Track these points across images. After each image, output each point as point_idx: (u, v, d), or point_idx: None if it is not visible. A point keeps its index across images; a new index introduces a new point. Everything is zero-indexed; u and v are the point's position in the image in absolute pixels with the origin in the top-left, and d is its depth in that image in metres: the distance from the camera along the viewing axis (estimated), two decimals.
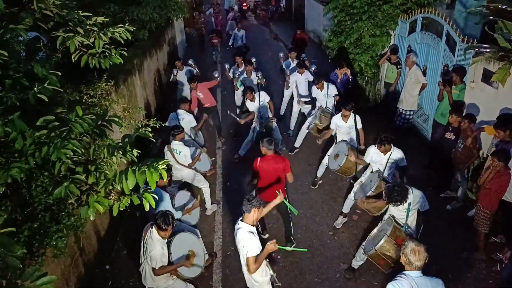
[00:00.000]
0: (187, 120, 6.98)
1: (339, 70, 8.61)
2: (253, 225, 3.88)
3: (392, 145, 5.37)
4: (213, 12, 18.52)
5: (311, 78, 8.15)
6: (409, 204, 4.44)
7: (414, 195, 4.43)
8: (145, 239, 4.24)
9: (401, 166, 5.52)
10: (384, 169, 5.50)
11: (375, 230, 4.77)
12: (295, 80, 8.37)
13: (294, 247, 5.14)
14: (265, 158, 5.21)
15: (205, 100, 8.28)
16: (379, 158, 5.53)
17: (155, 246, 4.11)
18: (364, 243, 4.88)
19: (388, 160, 5.45)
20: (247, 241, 3.77)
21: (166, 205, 4.91)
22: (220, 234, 6.08)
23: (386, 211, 4.94)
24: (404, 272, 3.16)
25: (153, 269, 4.15)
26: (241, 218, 3.93)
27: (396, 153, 5.43)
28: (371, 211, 5.16)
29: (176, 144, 5.92)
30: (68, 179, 2.85)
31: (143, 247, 4.26)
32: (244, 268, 3.95)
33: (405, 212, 4.51)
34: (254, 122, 7.72)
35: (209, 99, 8.36)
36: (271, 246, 3.80)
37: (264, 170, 5.22)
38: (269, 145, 5.13)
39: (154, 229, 4.13)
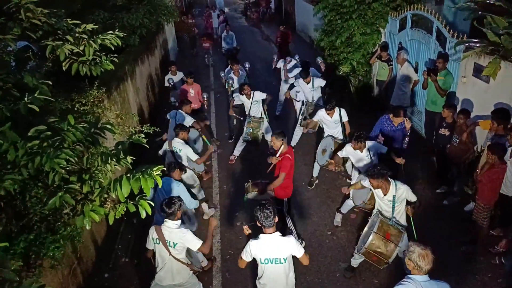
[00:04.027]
0: (187, 122, 6.99)
1: (394, 117, 6.01)
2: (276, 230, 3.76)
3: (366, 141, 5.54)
4: (203, 16, 18.53)
5: (322, 84, 7.94)
6: (394, 196, 4.51)
7: (398, 188, 4.51)
8: (158, 239, 4.05)
9: (381, 153, 5.70)
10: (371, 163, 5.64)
11: (366, 229, 4.81)
12: (300, 89, 8.10)
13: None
14: (290, 150, 5.30)
15: (193, 99, 8.27)
16: (357, 156, 5.65)
17: (182, 232, 4.03)
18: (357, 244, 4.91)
19: (369, 156, 5.58)
20: (290, 244, 3.67)
21: (183, 194, 4.94)
22: (219, 238, 6.05)
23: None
24: (410, 276, 3.08)
25: (201, 249, 4.07)
26: (261, 233, 3.71)
27: (372, 146, 5.60)
28: (366, 207, 5.32)
29: (177, 142, 5.92)
30: (63, 189, 2.83)
31: (165, 246, 4.05)
32: (286, 276, 3.77)
33: (390, 205, 4.59)
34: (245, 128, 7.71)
35: (196, 101, 8.40)
36: None
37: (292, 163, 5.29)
38: (284, 137, 5.22)
39: (168, 222, 4.01)
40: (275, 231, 3.67)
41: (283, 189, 5.37)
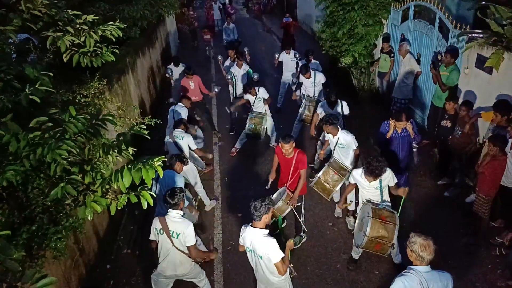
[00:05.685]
0: (183, 114, 7.03)
1: (396, 122, 5.45)
2: (266, 229, 3.75)
3: (339, 129, 5.53)
4: (205, 8, 18.44)
5: (323, 80, 7.94)
6: (380, 180, 4.59)
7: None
8: (161, 229, 4.06)
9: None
10: (333, 151, 5.76)
11: (357, 222, 4.82)
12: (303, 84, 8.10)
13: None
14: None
15: (194, 92, 8.31)
16: (331, 140, 5.77)
17: (185, 224, 4.03)
18: (354, 240, 4.89)
19: (336, 143, 5.60)
20: (269, 245, 3.63)
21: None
22: (220, 229, 6.08)
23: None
24: (411, 266, 3.07)
25: (192, 248, 4.06)
26: (250, 224, 3.76)
27: (345, 137, 5.52)
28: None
29: (178, 131, 5.98)
30: (64, 180, 2.83)
31: (168, 236, 4.05)
32: (268, 272, 3.79)
33: (378, 190, 4.65)
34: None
35: (197, 93, 8.41)
36: (291, 243, 3.89)
37: None
38: (291, 138, 5.05)
39: (172, 212, 4.04)
40: (262, 228, 3.69)
41: (304, 185, 5.32)
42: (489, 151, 4.79)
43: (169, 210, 4.07)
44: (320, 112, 6.78)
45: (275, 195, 5.31)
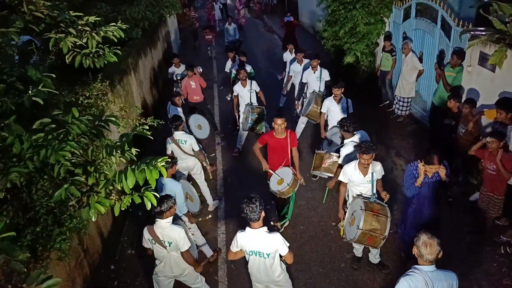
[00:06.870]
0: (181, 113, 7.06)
1: (424, 166, 4.40)
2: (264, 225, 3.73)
3: (353, 136, 5.34)
4: (206, 8, 18.45)
5: (327, 77, 7.83)
6: (372, 173, 4.63)
7: (375, 164, 4.66)
8: (153, 240, 4.04)
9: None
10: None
11: (346, 216, 4.81)
12: (306, 77, 7.99)
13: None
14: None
15: (195, 91, 8.29)
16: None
17: (176, 231, 3.98)
18: (344, 234, 4.83)
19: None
20: (276, 240, 3.63)
21: (178, 196, 4.86)
22: (224, 229, 6.08)
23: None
24: (416, 266, 3.05)
25: (185, 253, 4.03)
26: (248, 227, 3.68)
27: (346, 148, 5.32)
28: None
29: (180, 135, 5.97)
30: (68, 181, 2.84)
31: (159, 245, 4.05)
32: (272, 270, 3.81)
33: (370, 184, 4.66)
34: (241, 114, 7.70)
35: (198, 93, 8.39)
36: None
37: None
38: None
39: (160, 221, 3.97)
40: (262, 226, 3.66)
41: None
42: (496, 147, 4.71)
43: (156, 219, 3.99)
44: (326, 111, 6.72)
45: (273, 179, 5.47)
